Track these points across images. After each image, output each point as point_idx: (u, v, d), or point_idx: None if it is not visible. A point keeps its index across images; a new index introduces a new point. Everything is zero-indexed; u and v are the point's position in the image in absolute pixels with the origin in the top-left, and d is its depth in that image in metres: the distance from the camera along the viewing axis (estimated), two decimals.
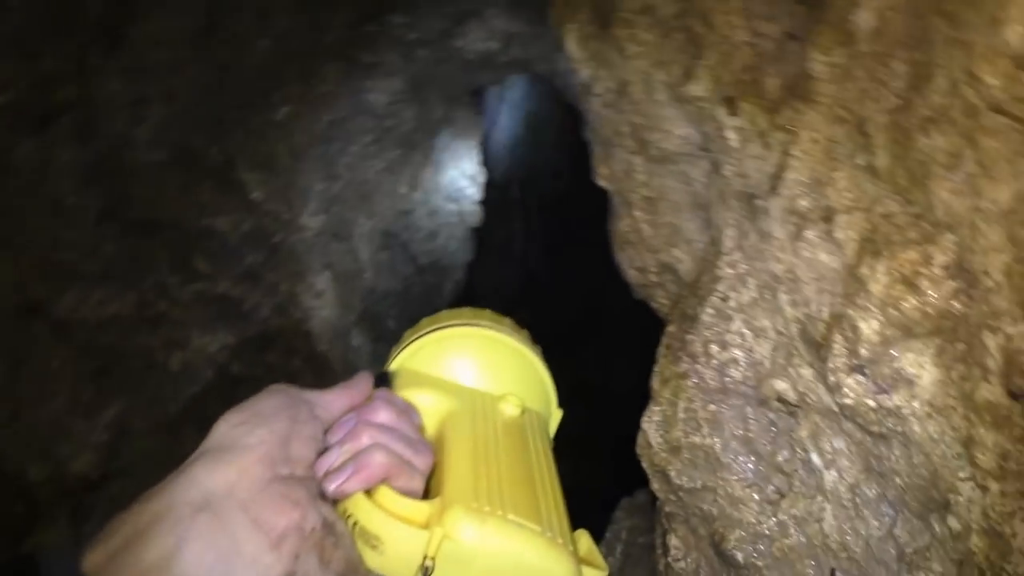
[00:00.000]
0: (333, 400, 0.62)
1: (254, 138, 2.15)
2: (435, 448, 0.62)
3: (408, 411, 0.64)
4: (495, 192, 5.62)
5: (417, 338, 0.74)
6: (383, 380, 0.69)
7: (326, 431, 0.59)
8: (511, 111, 5.55)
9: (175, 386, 1.81)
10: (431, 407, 0.67)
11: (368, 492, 0.55)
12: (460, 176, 3.68)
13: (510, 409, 0.68)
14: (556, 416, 0.79)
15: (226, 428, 0.54)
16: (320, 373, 2.14)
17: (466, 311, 0.76)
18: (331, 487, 0.54)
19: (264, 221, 2.19)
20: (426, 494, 0.58)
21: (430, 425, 0.66)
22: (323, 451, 0.57)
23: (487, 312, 0.77)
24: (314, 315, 2.24)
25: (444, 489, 0.55)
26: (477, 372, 0.71)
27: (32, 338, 1.54)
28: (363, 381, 0.66)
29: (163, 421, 1.74)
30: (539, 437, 0.68)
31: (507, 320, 0.78)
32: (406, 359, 0.73)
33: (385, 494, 0.54)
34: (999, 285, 0.55)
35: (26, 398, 1.50)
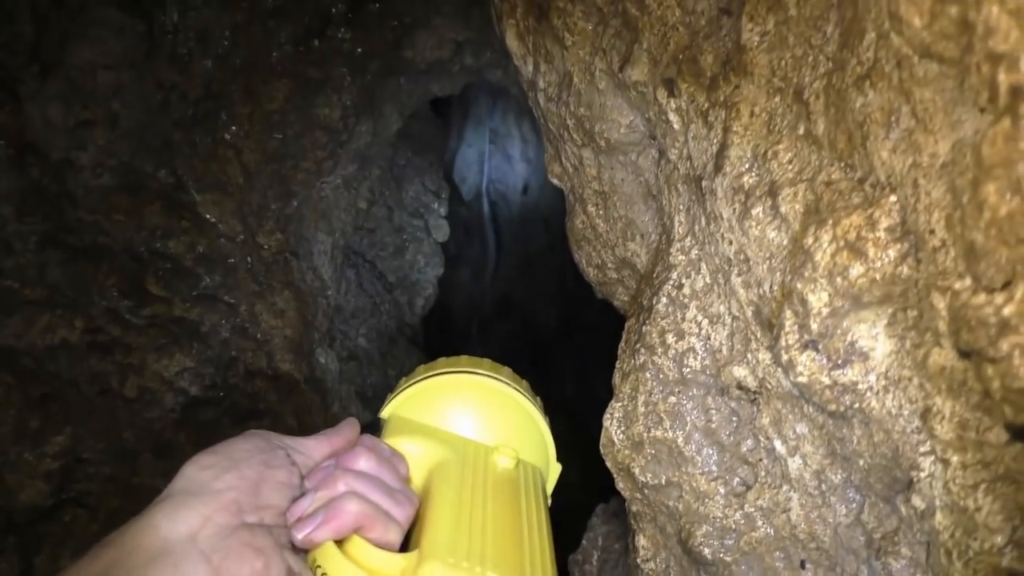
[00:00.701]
0: (314, 446, 0.59)
1: (203, 159, 2.10)
2: (421, 499, 0.58)
3: (393, 459, 0.60)
4: (462, 207, 5.60)
5: (410, 385, 0.70)
6: (373, 427, 0.65)
7: (305, 477, 0.56)
8: (474, 125, 5.55)
9: (131, 412, 1.74)
10: (420, 456, 0.63)
11: (340, 543, 0.51)
12: (424, 191, 3.65)
13: (504, 461, 0.65)
14: (555, 471, 0.76)
15: (193, 471, 0.51)
16: (283, 392, 2.08)
17: (464, 359, 0.73)
18: (299, 535, 0.51)
19: (219, 242, 2.13)
20: (407, 547, 0.54)
21: (418, 475, 0.63)
22: (298, 498, 0.53)
23: (486, 361, 0.74)
24: (276, 335, 2.17)
25: (421, 542, 0.52)
26: (472, 422, 0.69)
27: None
28: (348, 427, 0.62)
29: (119, 448, 1.67)
30: (533, 492, 0.64)
31: (506, 369, 0.75)
32: (398, 406, 0.70)
33: (357, 545, 0.51)
34: (944, 242, 0.52)
35: None
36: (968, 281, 0.46)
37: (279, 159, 2.27)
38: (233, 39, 2.15)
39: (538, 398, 0.78)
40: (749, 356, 0.88)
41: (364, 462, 0.57)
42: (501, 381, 0.72)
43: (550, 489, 0.76)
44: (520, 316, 6.01)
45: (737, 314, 0.88)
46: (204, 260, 2.12)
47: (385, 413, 0.70)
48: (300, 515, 0.52)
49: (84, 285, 1.78)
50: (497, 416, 0.71)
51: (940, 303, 0.52)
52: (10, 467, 1.45)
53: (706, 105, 0.86)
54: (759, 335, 0.84)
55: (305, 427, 2.13)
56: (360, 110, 2.34)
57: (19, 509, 1.44)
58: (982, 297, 0.44)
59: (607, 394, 1.07)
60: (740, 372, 0.89)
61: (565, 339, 5.66)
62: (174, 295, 2.00)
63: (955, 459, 0.56)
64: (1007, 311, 0.42)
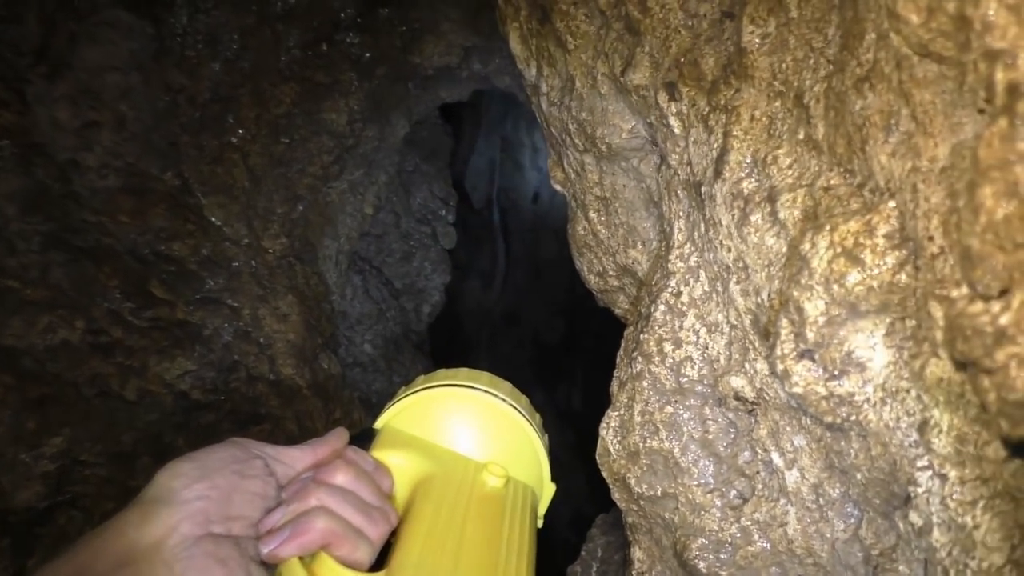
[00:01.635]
0: (297, 456, 0.58)
1: (210, 162, 2.10)
2: (403, 515, 0.58)
3: (376, 473, 0.59)
4: (472, 214, 5.60)
5: (407, 395, 0.69)
6: (363, 437, 0.64)
7: (283, 488, 0.55)
8: (485, 133, 5.55)
9: (130, 414, 1.73)
10: (406, 470, 0.62)
11: (309, 558, 0.51)
12: (432, 198, 3.64)
13: (492, 480, 0.64)
14: (548, 491, 0.74)
15: (165, 479, 0.50)
16: (285, 398, 2.07)
17: (463, 372, 0.72)
18: (264, 550, 0.50)
19: (223, 245, 2.12)
20: (383, 563, 0.53)
21: (403, 489, 0.61)
22: (272, 510, 0.53)
23: (485, 375, 0.73)
24: (278, 339, 2.17)
25: (391, 562, 0.51)
26: (465, 437, 0.68)
27: None
28: (335, 437, 0.61)
29: (116, 450, 1.66)
30: (519, 512, 0.63)
31: (505, 384, 0.73)
32: (393, 417, 0.69)
33: (323, 563, 0.50)
34: (943, 249, 0.50)
35: None
36: (964, 289, 0.44)
37: (285, 163, 2.27)
38: (242, 43, 2.15)
39: (537, 415, 0.76)
40: (747, 366, 0.86)
41: (342, 476, 0.55)
42: (498, 397, 0.70)
43: (543, 510, 0.75)
44: (529, 324, 6.00)
45: (735, 323, 0.86)
46: (208, 263, 2.12)
47: (380, 423, 0.69)
48: (269, 528, 0.51)
49: (87, 286, 1.78)
50: (491, 433, 0.70)
51: (938, 312, 0.51)
52: (6, 468, 1.44)
53: (707, 109, 0.85)
54: (757, 344, 0.83)
55: (306, 433, 2.12)
56: (367, 115, 2.34)
57: (14, 511, 1.44)
58: (978, 305, 0.42)
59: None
60: (738, 382, 0.87)
61: (574, 348, 5.65)
62: (177, 298, 2.00)
63: (953, 474, 0.54)
64: (1004, 320, 0.41)
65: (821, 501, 0.79)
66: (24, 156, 1.73)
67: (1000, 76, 0.38)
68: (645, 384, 0.96)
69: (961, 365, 0.47)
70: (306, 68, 2.25)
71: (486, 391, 0.70)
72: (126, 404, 1.75)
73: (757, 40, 0.74)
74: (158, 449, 1.71)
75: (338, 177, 2.45)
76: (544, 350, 5.96)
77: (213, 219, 2.17)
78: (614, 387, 1.06)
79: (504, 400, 0.70)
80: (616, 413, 1.01)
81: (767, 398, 0.83)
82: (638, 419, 0.96)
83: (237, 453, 0.54)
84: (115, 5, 1.95)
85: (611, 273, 1.31)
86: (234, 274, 2.18)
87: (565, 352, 5.87)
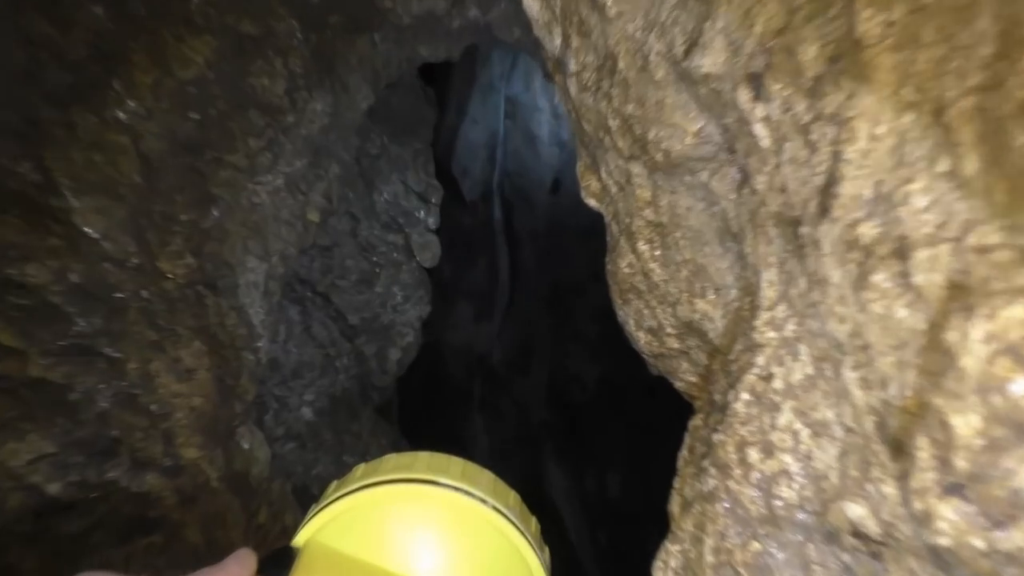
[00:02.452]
0: None
1: (85, 147, 2.13)
2: None
3: None
4: (463, 211, 5.62)
5: (340, 497, 0.70)
6: (277, 561, 0.65)
7: None
8: (482, 93, 5.59)
9: None
10: None
11: None
12: (405, 193, 3.68)
13: None
14: None
15: None
16: (186, 494, 2.09)
17: (422, 459, 0.72)
18: None
19: (102, 267, 2.15)
20: None
21: None
22: None
23: (456, 462, 0.73)
24: (179, 406, 2.18)
25: None
26: (427, 557, 0.68)
27: None
28: (237, 565, 0.63)
29: None
30: None
31: (486, 476, 0.74)
32: (321, 528, 0.70)
33: None
34: None
35: None
36: None
37: (194, 150, 2.30)
38: None
39: (533, 519, 0.76)
40: (869, 487, 0.87)
41: None
42: (474, 496, 0.71)
43: None
44: (545, 373, 5.99)
45: (852, 425, 0.88)
46: (79, 294, 2.14)
47: (301, 539, 0.70)
48: None
49: None
50: (463, 549, 0.70)
51: None
52: None
53: (807, 117, 0.87)
54: (884, 459, 0.84)
55: (215, 545, 2.13)
56: (314, 81, 2.38)
57: None
58: None
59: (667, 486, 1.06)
60: (856, 511, 0.88)
61: (610, 408, 5.63)
62: (30, 345, 2.02)
63: None
64: None
65: None
66: None
67: None
68: (720, 508, 0.98)
69: None
70: (227, 13, 2.29)
71: (455, 488, 0.70)
72: None
73: (878, 29, 0.76)
74: None
75: (270, 169, 2.49)
76: (567, 410, 5.95)
77: (88, 230, 2.19)
78: (674, 507, 1.08)
79: (483, 501, 0.71)
80: (677, 548, 1.02)
81: (900, 536, 0.84)
82: (710, 559, 0.98)
83: None
84: None
85: (669, 331, 1.33)
86: (116, 310, 2.20)
87: (598, 412, 5.85)
